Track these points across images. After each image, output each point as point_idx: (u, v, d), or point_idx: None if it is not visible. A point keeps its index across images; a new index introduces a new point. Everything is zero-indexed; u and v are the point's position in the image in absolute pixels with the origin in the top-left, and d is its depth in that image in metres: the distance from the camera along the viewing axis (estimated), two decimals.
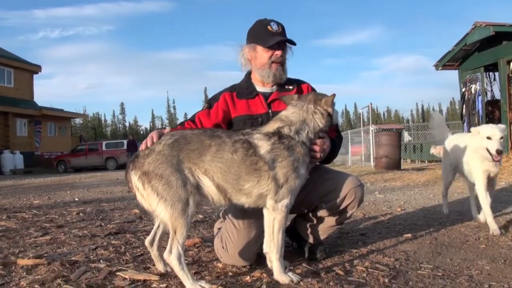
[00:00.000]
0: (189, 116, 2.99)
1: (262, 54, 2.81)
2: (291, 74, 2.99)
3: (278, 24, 2.82)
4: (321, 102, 2.49)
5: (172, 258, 2.21)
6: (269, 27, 2.79)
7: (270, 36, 2.76)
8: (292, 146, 2.35)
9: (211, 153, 2.27)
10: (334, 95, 2.52)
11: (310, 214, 2.88)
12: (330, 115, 2.52)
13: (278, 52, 2.80)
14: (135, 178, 2.27)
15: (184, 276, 2.22)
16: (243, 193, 2.31)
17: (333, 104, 2.52)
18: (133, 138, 27.63)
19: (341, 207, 2.75)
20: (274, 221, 2.37)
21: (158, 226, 2.56)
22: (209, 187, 2.27)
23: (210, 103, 2.89)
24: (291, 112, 2.48)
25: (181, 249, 2.22)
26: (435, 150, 5.15)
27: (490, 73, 13.16)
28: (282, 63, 2.84)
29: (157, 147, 2.28)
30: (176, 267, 2.22)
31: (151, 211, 2.29)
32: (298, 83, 2.94)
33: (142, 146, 2.37)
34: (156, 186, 2.20)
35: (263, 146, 2.31)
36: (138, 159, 2.30)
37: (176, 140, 2.29)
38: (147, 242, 2.59)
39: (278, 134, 2.36)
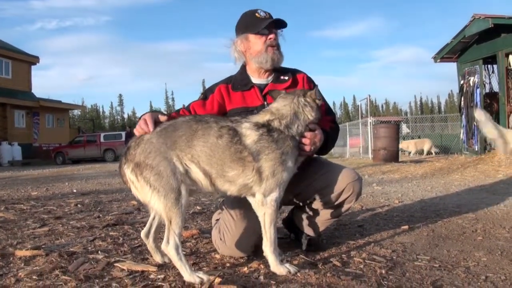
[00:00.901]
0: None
1: (256, 41, 2.79)
2: (289, 66, 2.98)
3: (265, 11, 2.81)
4: (309, 95, 2.51)
5: (170, 248, 2.22)
6: (257, 14, 2.78)
7: (260, 22, 2.75)
8: (280, 139, 2.34)
9: (197, 137, 2.28)
10: (317, 87, 2.56)
11: (308, 207, 2.88)
12: (319, 107, 2.53)
13: (272, 36, 2.78)
14: (128, 171, 2.28)
15: (182, 266, 2.22)
16: (227, 180, 2.31)
17: (321, 95, 2.55)
18: (131, 130, 27.58)
19: (339, 201, 2.74)
20: (264, 216, 2.37)
21: (154, 218, 2.57)
22: (196, 172, 2.28)
23: (205, 94, 2.87)
24: (283, 105, 2.47)
25: (178, 240, 2.22)
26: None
27: (489, 66, 13.13)
28: (277, 46, 2.82)
29: (146, 136, 2.29)
30: (174, 257, 2.23)
31: (146, 203, 2.31)
32: (293, 73, 2.92)
33: (135, 131, 2.38)
34: (148, 177, 2.21)
35: (250, 136, 2.30)
36: (129, 150, 2.31)
37: (164, 128, 2.31)
38: (142, 234, 2.60)
39: (267, 127, 2.35)
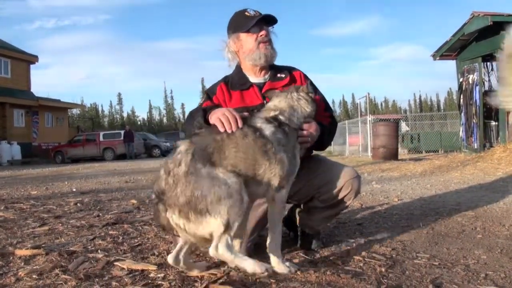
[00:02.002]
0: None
1: (247, 40, 2.78)
2: (288, 64, 2.98)
3: (255, 10, 2.81)
4: (302, 89, 2.53)
5: (222, 251, 2.04)
6: (246, 13, 2.78)
7: (250, 20, 2.74)
8: (289, 133, 2.36)
9: (226, 146, 2.18)
10: (308, 83, 2.59)
11: (307, 205, 2.88)
12: (314, 100, 2.55)
13: (263, 32, 2.76)
14: (174, 217, 2.06)
15: (241, 261, 2.08)
16: (256, 180, 2.22)
17: (312, 88, 2.57)
18: (129, 128, 27.60)
19: (338, 199, 2.75)
20: (273, 212, 2.37)
21: (186, 242, 2.34)
22: (240, 181, 2.13)
23: (208, 95, 2.86)
24: (278, 101, 2.49)
25: (231, 240, 2.08)
26: None
27: (488, 63, 13.14)
28: (269, 42, 2.81)
29: (179, 171, 2.07)
30: (229, 257, 2.06)
31: (204, 235, 2.09)
32: (289, 71, 2.92)
33: (222, 129, 2.23)
34: (204, 207, 2.01)
35: (267, 128, 2.29)
36: (166, 195, 2.07)
37: (193, 153, 2.12)
38: (170, 259, 2.30)
39: (277, 121, 2.36)
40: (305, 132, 2.48)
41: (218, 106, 2.62)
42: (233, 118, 2.26)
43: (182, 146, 2.16)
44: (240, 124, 2.25)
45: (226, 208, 2.01)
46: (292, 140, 2.37)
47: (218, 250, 2.04)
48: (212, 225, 2.02)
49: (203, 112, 2.46)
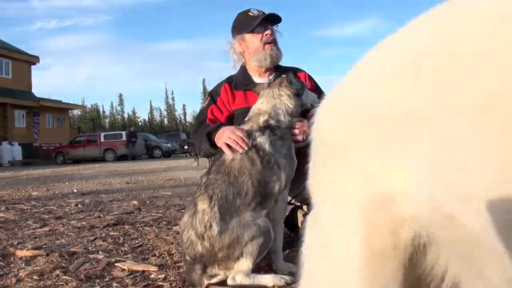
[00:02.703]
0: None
1: (252, 40, 2.78)
2: (290, 64, 2.98)
3: (258, 10, 2.81)
4: (283, 84, 2.49)
5: (241, 279, 2.11)
6: (250, 13, 2.78)
7: (254, 20, 2.74)
8: (283, 135, 2.36)
9: (241, 182, 2.20)
10: (289, 74, 2.53)
11: (307, 206, 2.88)
12: (298, 94, 2.49)
13: (268, 32, 2.76)
14: (213, 270, 2.14)
15: (260, 280, 2.14)
16: (267, 192, 2.27)
17: (295, 83, 2.50)
18: (133, 129, 27.61)
19: None
20: (276, 211, 2.39)
21: None
22: (265, 221, 2.21)
23: (212, 97, 2.85)
24: (261, 103, 2.47)
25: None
26: None
27: None
28: (274, 42, 2.81)
29: (213, 233, 2.09)
30: (248, 282, 2.12)
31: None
32: (294, 72, 2.91)
33: (229, 155, 2.28)
34: (239, 253, 2.09)
35: (264, 141, 2.30)
36: (205, 257, 2.11)
37: (218, 209, 2.13)
38: None
39: (269, 127, 2.36)
40: (297, 131, 2.47)
41: (220, 122, 2.64)
42: (239, 139, 2.28)
43: (202, 204, 2.17)
44: (247, 144, 2.26)
45: (257, 246, 2.10)
46: (287, 141, 2.38)
47: (236, 280, 2.12)
48: (242, 265, 2.10)
49: (207, 136, 2.48)
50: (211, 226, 2.10)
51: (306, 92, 2.56)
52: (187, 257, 2.16)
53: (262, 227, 2.13)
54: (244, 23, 2.79)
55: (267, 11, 2.81)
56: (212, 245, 2.09)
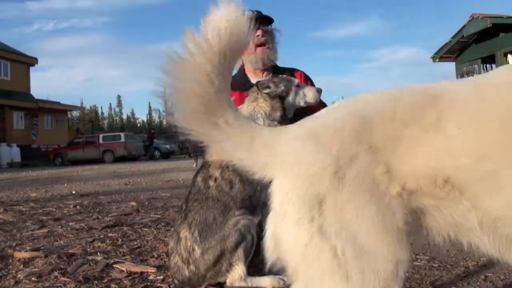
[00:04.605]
0: None
1: None
2: (287, 65, 2.98)
3: (252, 10, 2.79)
4: (260, 86, 2.45)
5: (239, 283, 2.15)
6: None
7: None
8: None
9: (218, 202, 2.21)
10: (264, 80, 2.52)
11: None
12: (280, 97, 2.44)
13: (258, 33, 2.75)
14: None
15: (257, 282, 2.17)
16: (259, 206, 2.26)
17: (271, 86, 2.44)
18: (154, 131, 27.60)
19: None
20: None
21: None
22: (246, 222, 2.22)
23: None
24: (244, 106, 2.46)
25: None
26: None
27: (487, 65, 13.17)
28: (266, 44, 2.79)
29: (195, 255, 2.14)
30: (246, 285, 2.16)
31: None
32: (291, 72, 2.91)
33: None
34: (226, 265, 2.12)
35: None
36: (192, 280, 2.15)
37: (199, 232, 2.17)
38: None
39: None
40: None
41: None
42: None
43: (184, 231, 2.19)
44: None
45: (242, 250, 2.11)
46: None
47: (234, 286, 2.14)
48: (235, 273, 2.12)
49: None
50: (193, 249, 2.13)
51: (295, 92, 2.50)
52: (176, 281, 2.18)
53: (242, 231, 2.13)
54: None
55: (264, 12, 2.81)
56: (197, 267, 2.12)
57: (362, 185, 1.03)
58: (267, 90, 2.43)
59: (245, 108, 2.44)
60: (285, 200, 1.06)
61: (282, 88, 2.46)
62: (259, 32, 2.76)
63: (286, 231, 1.06)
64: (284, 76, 2.59)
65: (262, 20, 2.80)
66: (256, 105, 2.42)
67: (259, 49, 2.76)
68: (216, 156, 2.27)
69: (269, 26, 2.85)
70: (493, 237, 1.07)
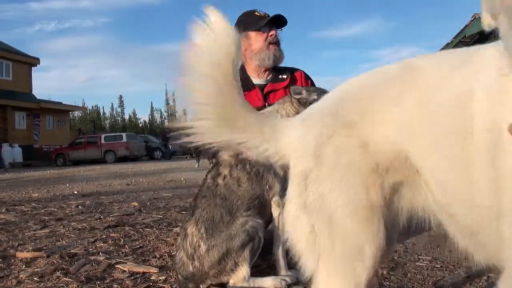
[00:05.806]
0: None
1: (257, 39, 2.80)
2: (288, 65, 2.99)
3: (264, 11, 2.85)
4: (290, 100, 2.45)
5: (241, 284, 2.16)
6: (256, 13, 2.81)
7: (261, 19, 2.77)
8: None
9: (226, 200, 2.22)
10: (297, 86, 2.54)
11: None
12: (303, 104, 2.41)
13: (273, 32, 2.79)
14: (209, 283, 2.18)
15: (260, 283, 2.18)
16: (267, 206, 2.30)
17: (309, 92, 2.43)
18: (170, 132, 27.63)
19: None
20: (279, 217, 2.37)
21: None
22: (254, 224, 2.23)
23: None
24: (271, 107, 2.48)
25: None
26: None
27: None
28: (278, 43, 2.83)
29: (201, 251, 2.15)
30: (249, 286, 2.17)
31: None
32: (291, 72, 2.92)
33: None
34: (231, 264, 2.13)
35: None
36: (196, 275, 2.16)
37: (205, 229, 2.18)
38: None
39: None
40: None
41: None
42: None
43: (191, 227, 2.20)
44: None
45: (248, 251, 2.12)
46: None
47: (236, 286, 2.15)
48: (239, 273, 2.12)
49: None
50: (199, 246, 2.14)
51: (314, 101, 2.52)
52: (180, 277, 2.19)
53: (250, 232, 2.14)
54: (250, 22, 2.81)
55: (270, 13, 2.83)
56: (202, 264, 2.13)
57: (339, 161, 1.11)
58: (298, 96, 2.42)
59: (270, 108, 2.45)
60: (289, 180, 1.21)
61: (315, 97, 2.42)
62: (274, 32, 2.80)
63: (286, 205, 1.21)
64: (319, 87, 2.58)
65: (278, 22, 2.85)
66: (282, 107, 2.41)
67: (271, 46, 2.78)
68: (227, 155, 2.29)
69: (281, 30, 2.88)
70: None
